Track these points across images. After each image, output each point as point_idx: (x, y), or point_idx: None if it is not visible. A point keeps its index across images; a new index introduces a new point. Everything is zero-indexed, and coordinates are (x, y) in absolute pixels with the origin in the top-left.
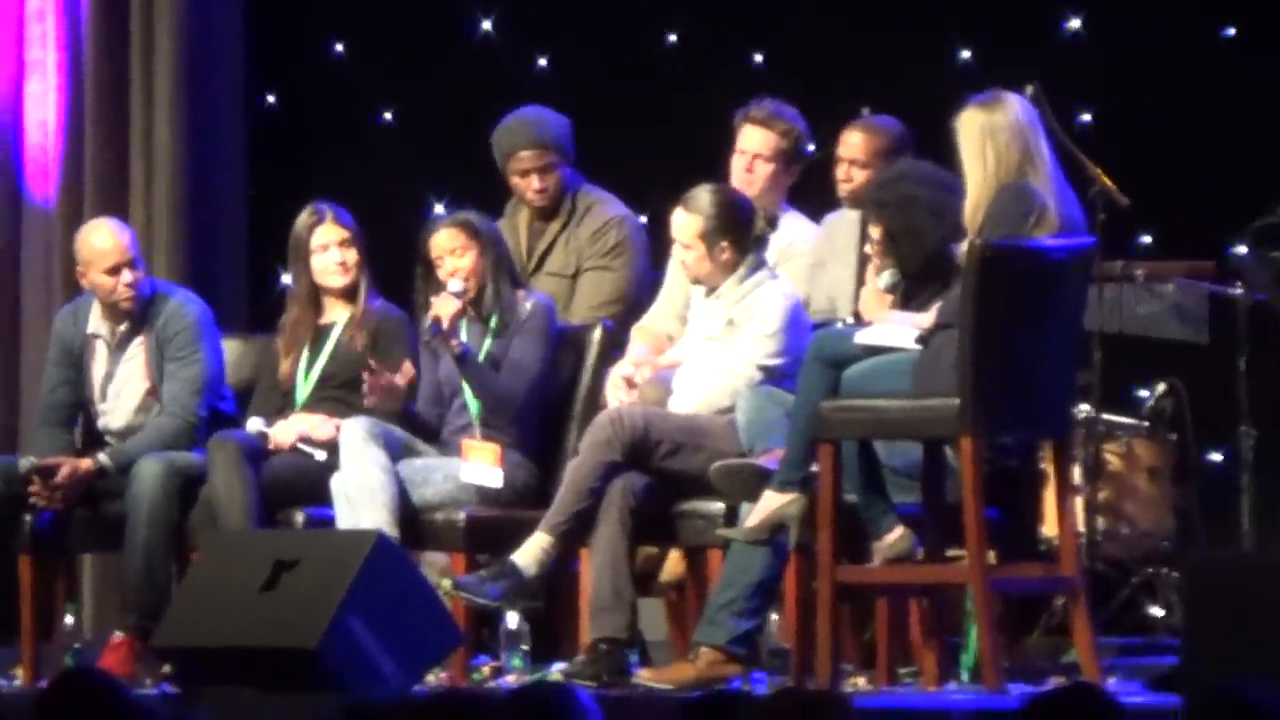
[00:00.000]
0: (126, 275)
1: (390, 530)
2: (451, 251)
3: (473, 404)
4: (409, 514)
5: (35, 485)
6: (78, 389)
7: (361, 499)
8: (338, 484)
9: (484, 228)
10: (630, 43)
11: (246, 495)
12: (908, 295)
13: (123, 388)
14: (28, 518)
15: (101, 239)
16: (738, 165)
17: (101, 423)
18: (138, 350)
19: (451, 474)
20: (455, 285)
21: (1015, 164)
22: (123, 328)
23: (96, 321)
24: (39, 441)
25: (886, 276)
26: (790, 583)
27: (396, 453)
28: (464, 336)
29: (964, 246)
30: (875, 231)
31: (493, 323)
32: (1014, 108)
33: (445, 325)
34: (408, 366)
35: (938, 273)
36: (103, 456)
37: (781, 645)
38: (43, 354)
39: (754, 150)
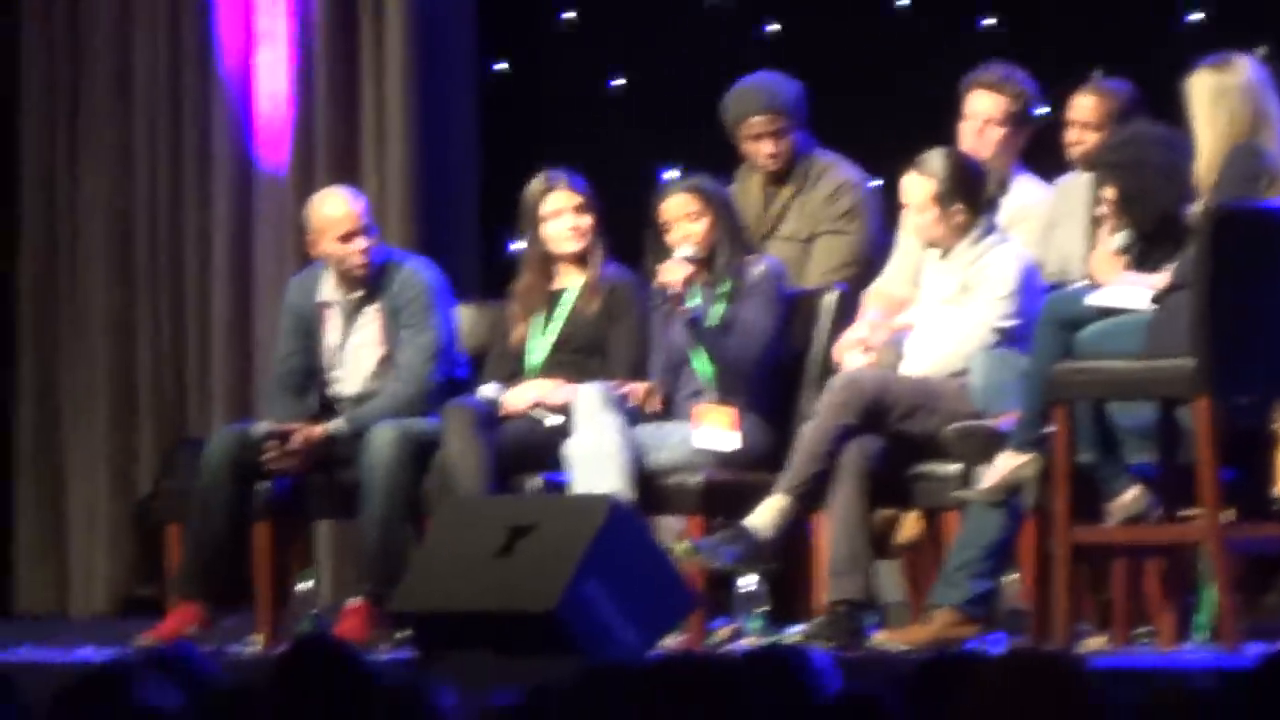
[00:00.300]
0: (359, 242)
1: (625, 494)
2: (684, 216)
3: (704, 369)
4: (643, 478)
5: (271, 450)
6: (310, 357)
7: (596, 463)
8: (572, 448)
9: (715, 193)
10: (861, 7)
11: (481, 461)
12: (1141, 257)
13: (357, 354)
14: (264, 484)
15: (333, 207)
16: (968, 130)
17: (334, 390)
18: (371, 318)
19: (686, 438)
20: (685, 251)
21: (1247, 126)
22: (356, 295)
23: (329, 289)
24: (274, 409)
25: (1120, 238)
26: (1026, 544)
27: (632, 418)
28: (696, 302)
29: (1196, 208)
30: (1108, 193)
31: (724, 287)
32: (1245, 70)
33: (678, 290)
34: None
35: (1171, 235)
36: (337, 423)
37: (1018, 606)
38: (275, 324)
39: (984, 114)
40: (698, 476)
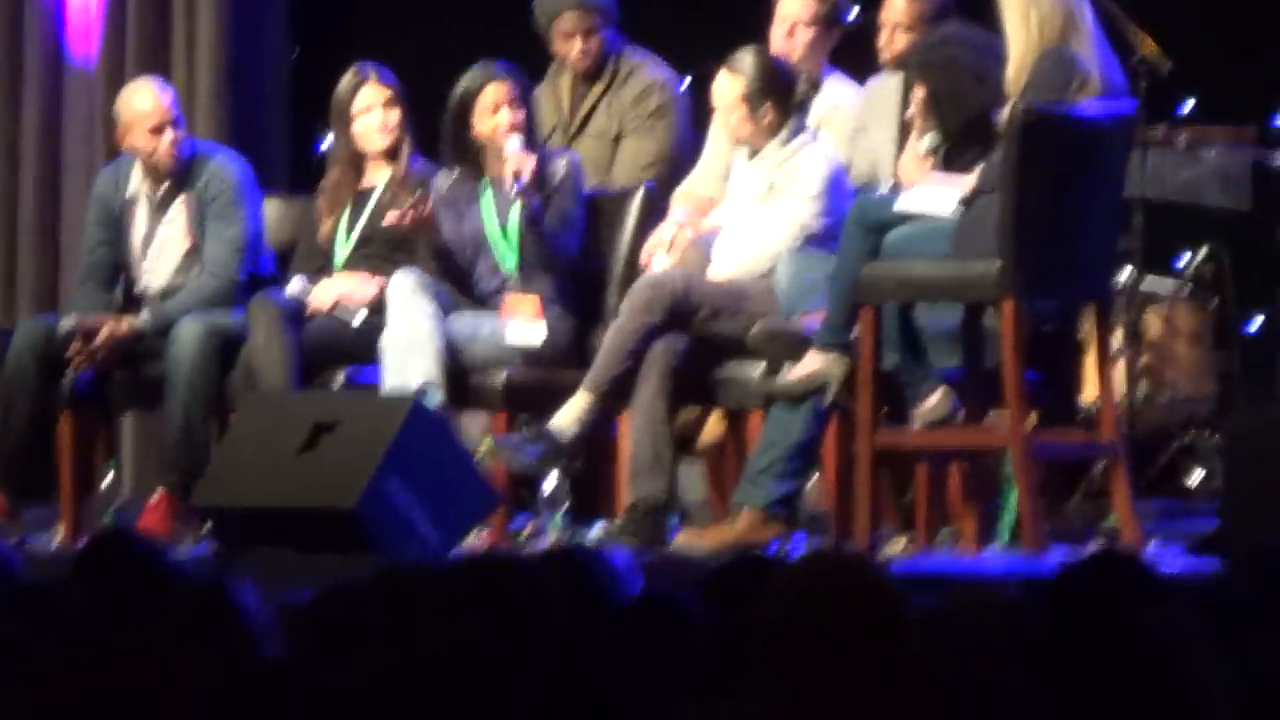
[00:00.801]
0: (168, 135)
1: (438, 380)
2: (510, 103)
3: (509, 259)
4: (453, 373)
5: (76, 346)
6: (118, 250)
7: (410, 349)
8: (385, 337)
9: (525, 83)
10: None
11: (286, 356)
12: (948, 159)
13: (163, 247)
14: (68, 377)
15: (142, 100)
16: (778, 33)
17: (141, 283)
18: (179, 210)
19: (496, 330)
20: (517, 141)
21: (1058, 29)
22: (164, 188)
23: (137, 182)
24: (80, 301)
25: (927, 140)
26: (830, 446)
27: (446, 306)
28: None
29: (1006, 111)
30: (918, 93)
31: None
32: None
33: (527, 179)
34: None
35: (979, 137)
36: (143, 316)
37: (821, 509)
38: (83, 215)
39: (793, 16)
40: (502, 374)
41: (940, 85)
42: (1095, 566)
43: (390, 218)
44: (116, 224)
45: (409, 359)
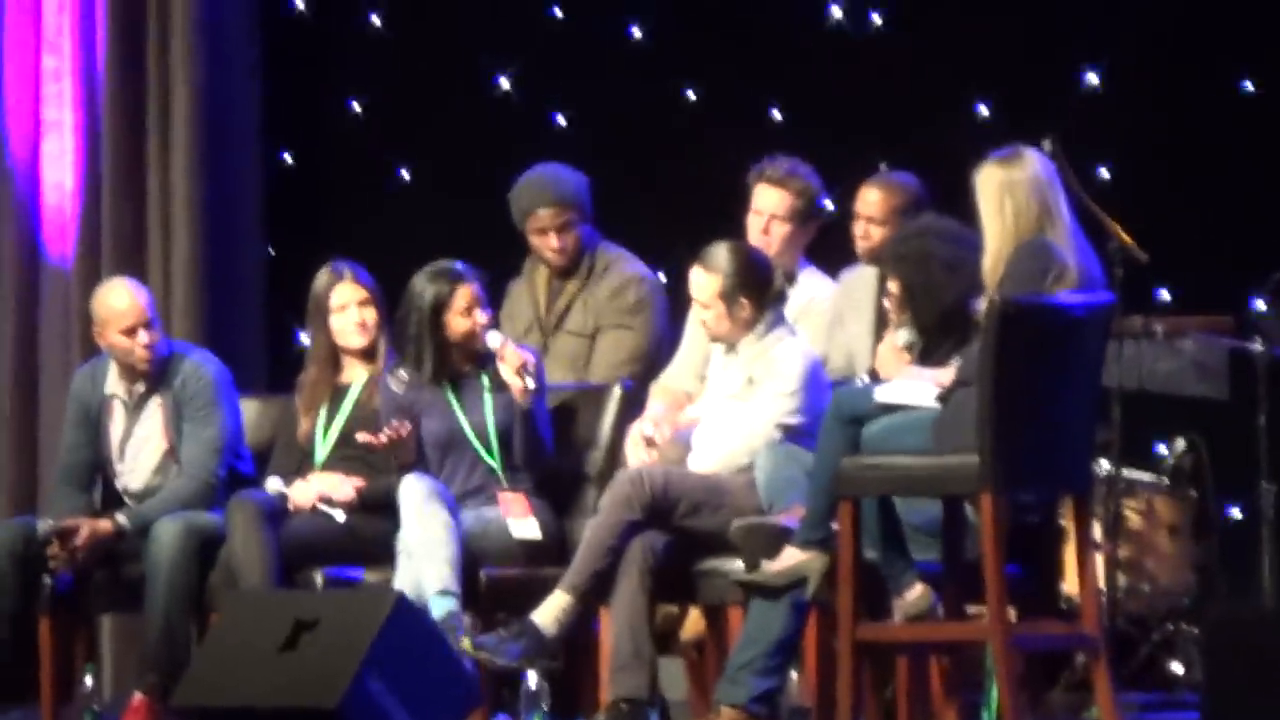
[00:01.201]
0: (143, 336)
1: (453, 585)
2: (480, 303)
3: (492, 458)
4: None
5: (54, 547)
6: (96, 450)
7: (426, 556)
8: (401, 540)
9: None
10: (648, 100)
11: (266, 555)
12: (926, 352)
13: (141, 448)
14: (47, 579)
15: (118, 299)
16: (754, 225)
17: (120, 483)
18: (155, 410)
19: (503, 526)
20: (499, 338)
21: (1034, 220)
22: (140, 388)
23: (114, 382)
24: (57, 502)
25: (904, 334)
26: (810, 641)
27: (454, 509)
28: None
29: (983, 302)
30: (893, 286)
31: (486, 377)
32: (1033, 163)
33: (531, 371)
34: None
35: (955, 328)
36: (121, 518)
37: (802, 704)
38: (60, 414)
39: (769, 210)
40: (481, 572)
41: (914, 278)
42: None
43: (364, 437)
44: (94, 424)
45: (424, 565)
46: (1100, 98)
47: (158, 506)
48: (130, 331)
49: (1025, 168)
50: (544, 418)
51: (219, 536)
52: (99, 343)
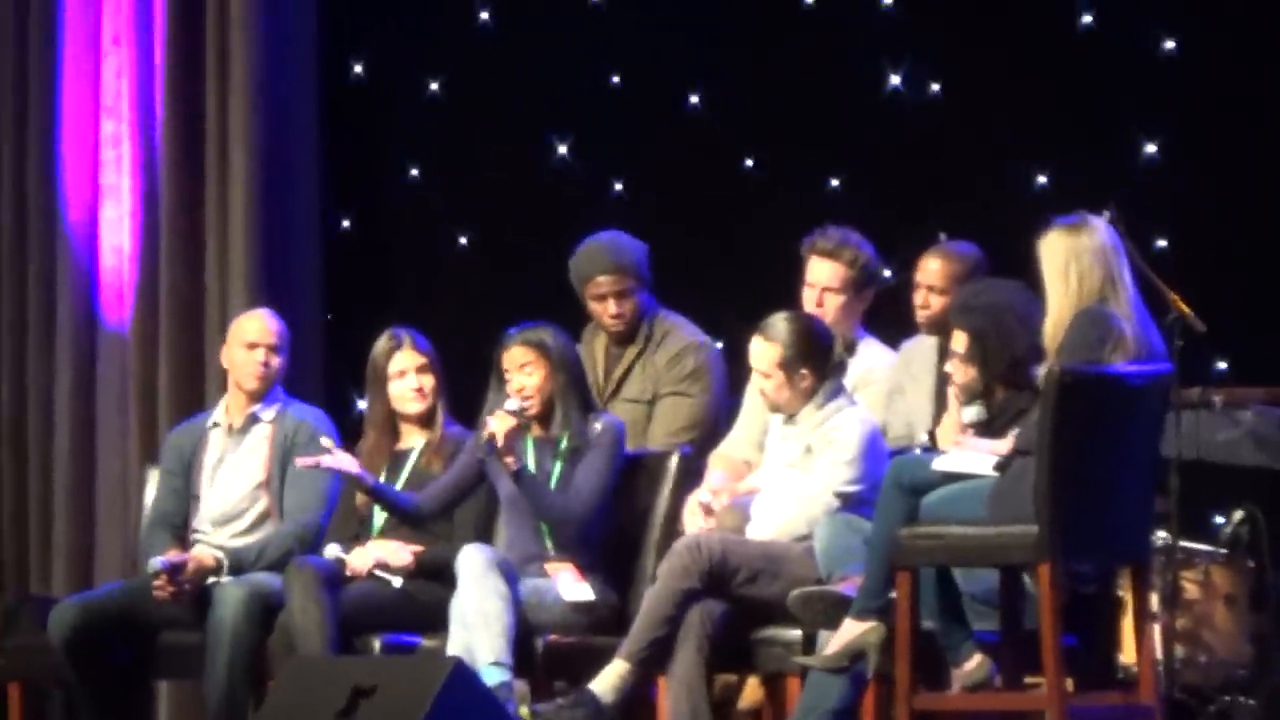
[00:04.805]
0: (262, 354)
1: (505, 657)
2: (521, 367)
3: (543, 525)
4: (523, 635)
5: (161, 579)
6: (185, 495)
7: (480, 626)
8: (456, 609)
9: (556, 346)
10: (706, 168)
11: (324, 621)
12: (987, 422)
13: (235, 473)
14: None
15: (251, 319)
16: (808, 298)
17: (199, 509)
18: (261, 441)
19: (559, 598)
20: (513, 404)
21: (1097, 288)
22: (250, 412)
23: (219, 412)
24: (154, 545)
25: (972, 412)
26: (869, 710)
27: (513, 579)
28: (530, 457)
29: (1043, 370)
30: (958, 344)
31: (563, 445)
32: (1099, 232)
33: (500, 443)
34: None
35: (1019, 386)
36: (219, 554)
37: None
38: (118, 477)
39: (822, 283)
40: (539, 640)
41: (985, 326)
42: None
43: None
44: (188, 468)
45: (478, 635)
46: (1157, 169)
47: (260, 550)
48: (252, 346)
49: (1092, 236)
50: (572, 486)
51: (278, 602)
52: (222, 360)
